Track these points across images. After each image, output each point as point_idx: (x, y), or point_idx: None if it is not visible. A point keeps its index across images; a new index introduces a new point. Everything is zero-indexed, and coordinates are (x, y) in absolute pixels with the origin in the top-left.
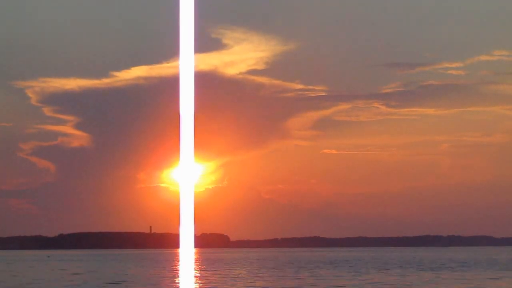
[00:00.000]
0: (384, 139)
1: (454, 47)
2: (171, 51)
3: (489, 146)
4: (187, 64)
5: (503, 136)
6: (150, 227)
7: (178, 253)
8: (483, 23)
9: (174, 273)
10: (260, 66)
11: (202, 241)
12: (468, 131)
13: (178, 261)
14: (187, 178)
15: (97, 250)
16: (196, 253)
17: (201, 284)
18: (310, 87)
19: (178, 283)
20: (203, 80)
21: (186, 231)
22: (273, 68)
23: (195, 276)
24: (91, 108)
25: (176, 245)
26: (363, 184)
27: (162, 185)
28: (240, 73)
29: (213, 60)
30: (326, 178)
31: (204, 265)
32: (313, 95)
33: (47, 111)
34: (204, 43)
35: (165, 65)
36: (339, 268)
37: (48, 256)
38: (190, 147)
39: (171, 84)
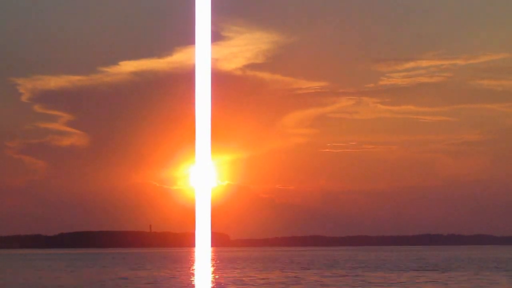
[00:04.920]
0: (383, 137)
1: (454, 44)
2: (165, 46)
3: (488, 144)
4: (202, 64)
5: (502, 134)
6: (150, 226)
7: (193, 252)
8: (478, 21)
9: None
10: (259, 60)
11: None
12: (468, 128)
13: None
14: (204, 179)
15: (97, 249)
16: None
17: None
18: (308, 84)
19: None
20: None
21: (202, 230)
22: (271, 63)
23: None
24: (83, 104)
25: (177, 244)
26: (363, 183)
27: (155, 183)
28: (238, 68)
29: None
30: (325, 176)
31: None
32: (310, 92)
33: (37, 108)
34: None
35: (156, 60)
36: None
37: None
38: (206, 148)
39: (165, 79)
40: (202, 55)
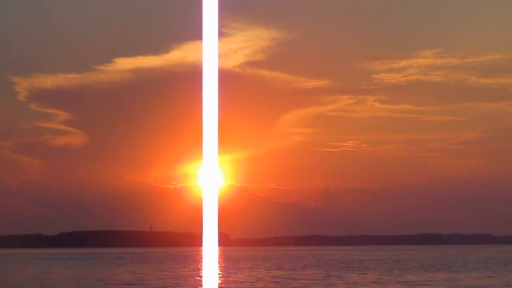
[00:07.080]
0: (381, 135)
1: (451, 42)
2: (161, 43)
3: (487, 142)
4: (209, 64)
5: (501, 133)
6: (150, 225)
7: (201, 251)
8: (475, 20)
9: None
10: (259, 58)
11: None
12: (466, 127)
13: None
14: (211, 178)
15: (98, 248)
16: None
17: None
18: (307, 82)
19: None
20: (198, 73)
21: (209, 230)
22: (271, 60)
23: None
24: (79, 103)
25: (178, 243)
26: (362, 181)
27: (155, 182)
28: (237, 65)
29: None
30: (325, 176)
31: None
32: (310, 90)
33: (34, 106)
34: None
35: (152, 57)
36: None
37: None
38: (214, 147)
39: (163, 77)
40: (209, 53)
